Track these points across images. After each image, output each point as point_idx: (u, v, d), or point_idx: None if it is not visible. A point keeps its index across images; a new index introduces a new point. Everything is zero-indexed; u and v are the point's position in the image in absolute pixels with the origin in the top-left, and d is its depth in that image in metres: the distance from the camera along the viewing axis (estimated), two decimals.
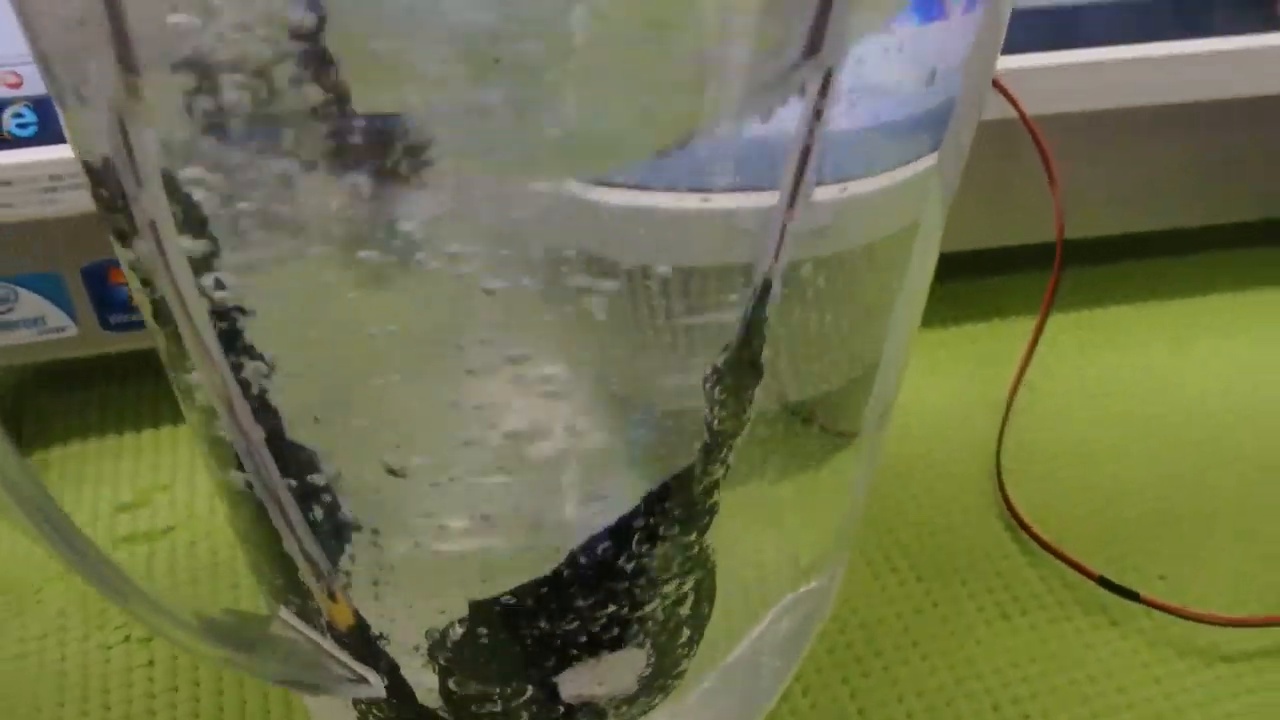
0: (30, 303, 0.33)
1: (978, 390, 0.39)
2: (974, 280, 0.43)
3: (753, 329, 0.16)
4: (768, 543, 0.26)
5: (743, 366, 0.17)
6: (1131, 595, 0.30)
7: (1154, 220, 0.42)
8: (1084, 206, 0.39)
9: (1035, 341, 0.38)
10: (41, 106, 0.30)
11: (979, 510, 0.34)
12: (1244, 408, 0.38)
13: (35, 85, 0.30)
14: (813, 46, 0.14)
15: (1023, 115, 0.35)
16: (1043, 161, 0.36)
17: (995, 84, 0.35)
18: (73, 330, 0.34)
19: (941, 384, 0.39)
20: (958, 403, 0.38)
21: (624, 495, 0.18)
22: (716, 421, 0.17)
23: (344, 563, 0.18)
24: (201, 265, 0.14)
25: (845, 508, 0.31)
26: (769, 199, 0.15)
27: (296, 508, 0.18)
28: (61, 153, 0.30)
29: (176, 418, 0.37)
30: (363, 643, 0.19)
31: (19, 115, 0.30)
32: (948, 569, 0.33)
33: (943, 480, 0.35)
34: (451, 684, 0.20)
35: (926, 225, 0.22)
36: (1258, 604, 0.32)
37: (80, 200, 0.31)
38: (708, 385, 0.17)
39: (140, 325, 0.32)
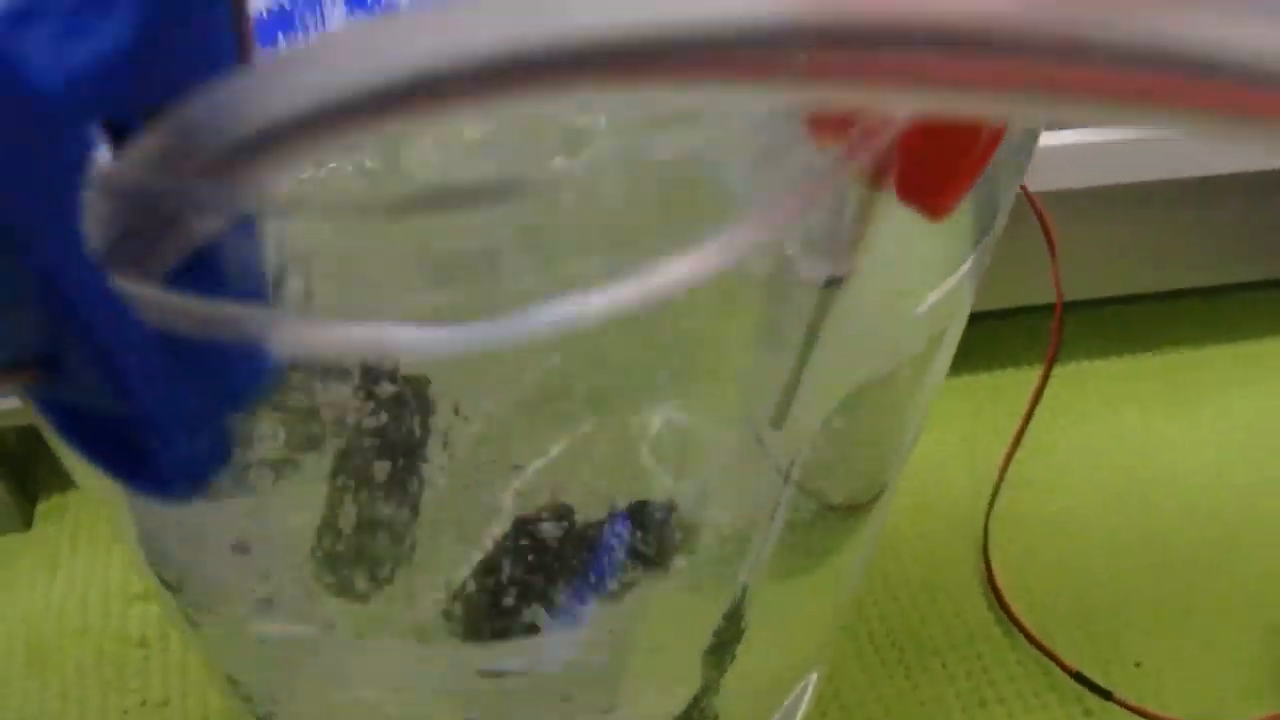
0: None
1: (970, 448, 0.40)
2: (972, 330, 0.43)
3: (734, 616, 0.17)
4: (776, 656, 0.27)
5: (725, 642, 0.18)
6: (1105, 694, 0.32)
7: (1153, 282, 0.42)
8: (1083, 268, 0.39)
9: (1029, 417, 0.38)
10: None
11: (964, 583, 0.36)
12: (1240, 470, 0.39)
13: None
14: (776, 422, 0.14)
15: (1027, 194, 0.35)
16: (1045, 238, 0.36)
17: None
18: None
19: (935, 439, 0.40)
20: (950, 460, 0.39)
21: None
22: (706, 676, 0.18)
23: None
24: None
25: (846, 590, 0.32)
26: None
27: None
28: None
29: None
30: None
31: None
32: (929, 647, 0.34)
33: (931, 548, 0.36)
34: None
35: (956, 319, 0.22)
36: (1233, 686, 0.33)
37: None
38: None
39: None
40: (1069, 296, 0.38)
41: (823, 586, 0.26)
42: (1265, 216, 0.40)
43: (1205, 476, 0.39)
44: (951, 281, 0.20)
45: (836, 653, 0.34)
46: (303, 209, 0.08)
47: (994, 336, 0.43)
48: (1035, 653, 0.33)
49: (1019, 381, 0.41)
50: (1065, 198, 0.36)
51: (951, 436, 0.40)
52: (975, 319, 0.42)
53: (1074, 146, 0.35)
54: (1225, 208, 0.39)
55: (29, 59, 0.06)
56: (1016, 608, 0.34)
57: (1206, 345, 0.44)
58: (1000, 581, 0.35)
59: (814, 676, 0.32)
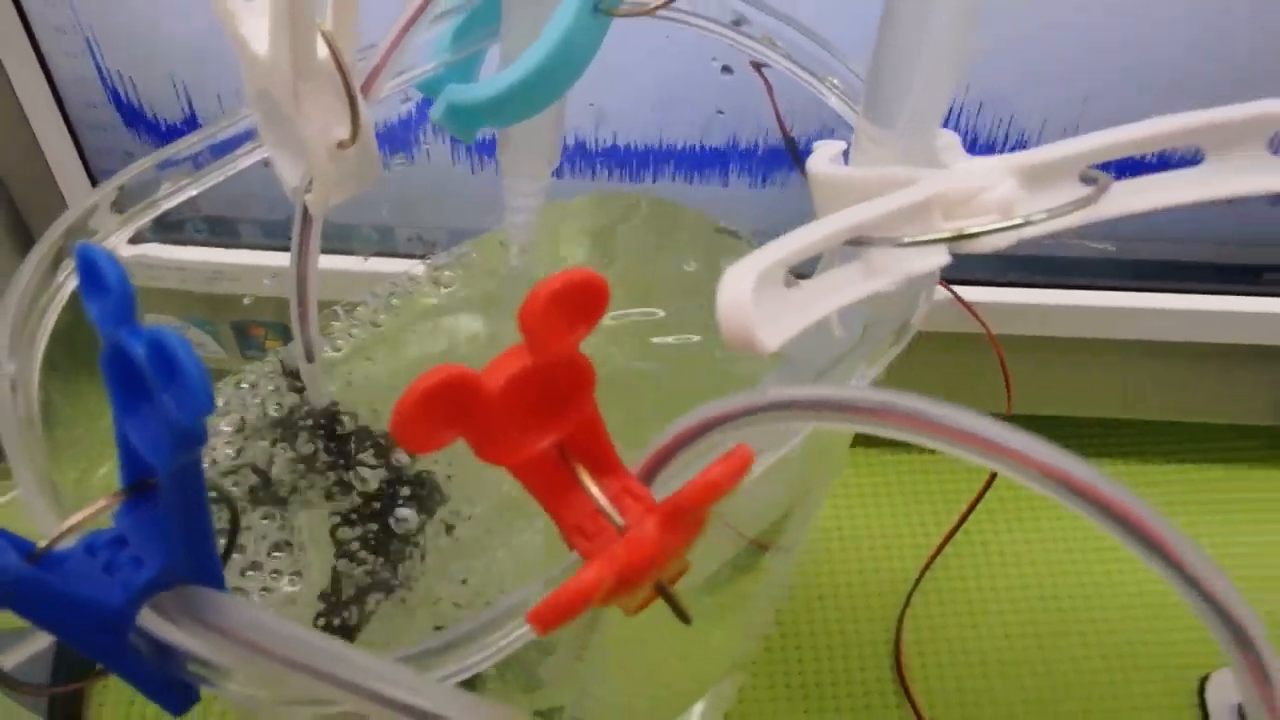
0: (194, 335, 0.44)
1: (913, 524, 0.46)
2: None
3: None
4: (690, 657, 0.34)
5: None
6: None
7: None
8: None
9: (971, 509, 0.44)
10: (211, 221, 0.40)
11: (875, 649, 0.42)
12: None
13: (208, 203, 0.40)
14: None
15: (993, 341, 0.41)
16: (1004, 382, 0.41)
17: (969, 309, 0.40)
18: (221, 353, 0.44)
19: (883, 508, 0.46)
20: (894, 531, 0.45)
21: None
22: None
23: None
24: None
25: (765, 609, 0.39)
26: None
27: None
28: (222, 256, 0.40)
29: None
30: None
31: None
32: (829, 696, 0.41)
33: (855, 609, 0.43)
34: None
35: None
36: None
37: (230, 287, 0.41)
38: None
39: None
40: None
41: (723, 610, 0.33)
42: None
43: (1135, 599, 0.44)
44: None
45: (749, 686, 0.41)
46: None
47: None
48: None
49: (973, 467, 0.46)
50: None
51: (898, 509, 0.46)
52: None
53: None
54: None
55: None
56: (914, 685, 0.41)
57: (1160, 463, 0.48)
58: (905, 655, 0.41)
59: (723, 685, 0.39)
